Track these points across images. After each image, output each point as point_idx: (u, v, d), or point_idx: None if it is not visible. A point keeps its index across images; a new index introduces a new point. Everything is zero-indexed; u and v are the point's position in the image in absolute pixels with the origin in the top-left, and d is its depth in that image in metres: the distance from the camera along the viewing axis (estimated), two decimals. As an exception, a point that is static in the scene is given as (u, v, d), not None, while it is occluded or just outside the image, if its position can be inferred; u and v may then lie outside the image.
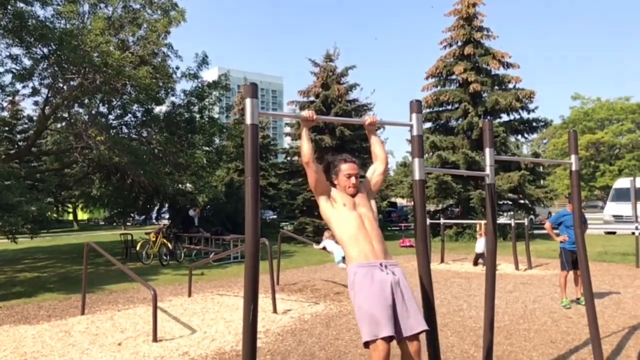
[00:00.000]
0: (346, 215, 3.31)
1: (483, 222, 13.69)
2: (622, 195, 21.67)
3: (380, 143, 3.71)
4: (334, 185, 3.48)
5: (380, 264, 3.12)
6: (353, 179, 3.42)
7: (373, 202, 3.53)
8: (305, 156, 3.29)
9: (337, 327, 6.57)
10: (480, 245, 12.20)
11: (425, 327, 3.03)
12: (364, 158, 21.96)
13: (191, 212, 18.32)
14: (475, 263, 12.48)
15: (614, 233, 20.82)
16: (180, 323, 7.03)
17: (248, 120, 2.85)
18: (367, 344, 2.89)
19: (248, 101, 2.86)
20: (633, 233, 12.43)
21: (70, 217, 40.36)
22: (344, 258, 8.81)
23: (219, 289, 9.93)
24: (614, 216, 22.02)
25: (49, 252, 18.96)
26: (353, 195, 3.43)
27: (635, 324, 6.45)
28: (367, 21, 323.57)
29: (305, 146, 3.31)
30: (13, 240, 12.20)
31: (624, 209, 20.27)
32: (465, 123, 20.93)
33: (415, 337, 3.00)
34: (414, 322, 3.00)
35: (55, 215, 20.54)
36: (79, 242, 23.17)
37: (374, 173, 3.64)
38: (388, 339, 2.84)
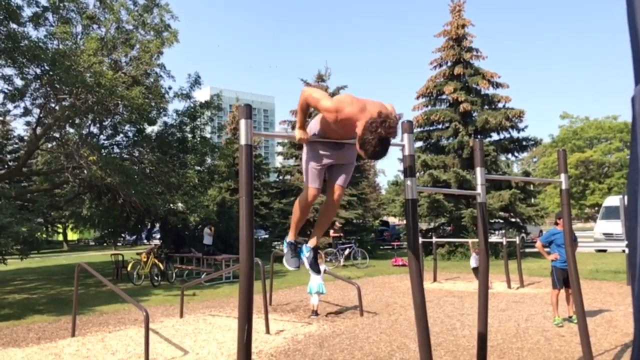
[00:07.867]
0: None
1: (474, 240, 13.79)
2: (612, 213, 21.86)
3: None
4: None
5: None
6: None
7: None
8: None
9: (330, 348, 6.53)
10: (473, 260, 12.33)
11: None
12: (355, 177, 22.08)
13: (207, 231, 18.21)
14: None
15: (604, 251, 20.94)
16: (172, 344, 6.96)
17: (243, 141, 2.87)
18: None
19: (243, 122, 2.89)
20: (623, 251, 12.54)
21: (60, 237, 39.88)
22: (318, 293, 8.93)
23: (211, 309, 9.85)
24: (604, 234, 22.18)
25: (38, 273, 18.73)
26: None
27: (627, 341, 6.47)
28: (358, 41, 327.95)
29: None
30: (2, 261, 12.05)
31: (614, 226, 20.46)
32: (456, 142, 21.14)
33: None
34: None
35: (45, 235, 20.31)
36: (69, 262, 22.92)
37: None
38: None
